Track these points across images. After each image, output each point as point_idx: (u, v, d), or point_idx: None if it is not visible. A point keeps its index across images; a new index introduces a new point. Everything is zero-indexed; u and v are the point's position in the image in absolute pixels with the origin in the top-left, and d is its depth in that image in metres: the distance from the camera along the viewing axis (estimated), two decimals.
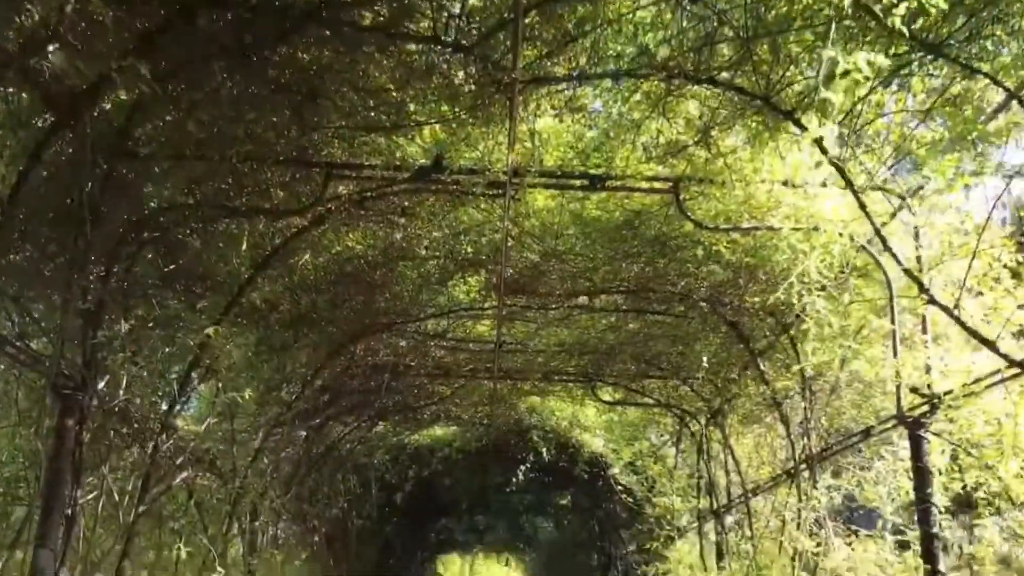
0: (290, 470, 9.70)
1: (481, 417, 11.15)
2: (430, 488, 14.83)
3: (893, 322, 4.82)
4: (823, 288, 5.17)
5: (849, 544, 5.51)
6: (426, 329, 7.68)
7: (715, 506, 8.38)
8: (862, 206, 4.04)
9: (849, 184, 4.02)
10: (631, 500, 10.28)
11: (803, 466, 6.54)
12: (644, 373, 8.72)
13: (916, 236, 4.64)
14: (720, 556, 8.09)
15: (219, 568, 5.55)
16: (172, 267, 5.18)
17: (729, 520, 8.44)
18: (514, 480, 11.69)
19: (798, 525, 6.25)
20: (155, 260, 5.18)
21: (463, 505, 17.40)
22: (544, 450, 10.87)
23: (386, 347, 8.05)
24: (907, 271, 4.13)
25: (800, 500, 6.38)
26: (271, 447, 7.97)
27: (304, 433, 8.62)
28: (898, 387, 4.84)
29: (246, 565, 7.11)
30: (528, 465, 11.19)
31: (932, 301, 3.97)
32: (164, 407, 5.38)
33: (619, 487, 10.32)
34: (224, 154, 4.82)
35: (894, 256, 4.17)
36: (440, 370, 8.83)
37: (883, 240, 4.14)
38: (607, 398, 9.48)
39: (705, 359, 6.69)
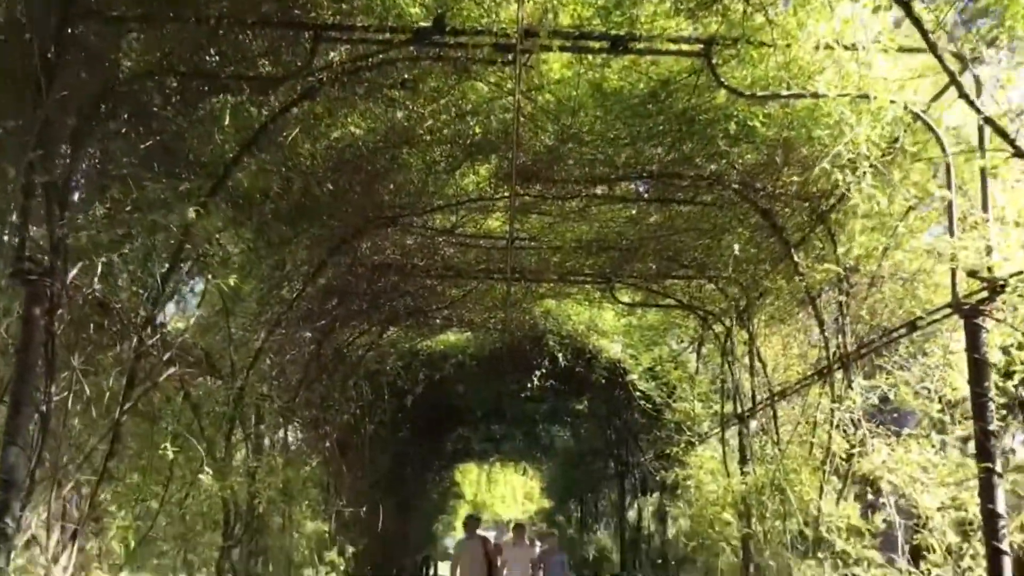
0: (298, 375, 9.40)
1: (495, 323, 10.77)
2: (444, 396, 14.62)
3: (950, 187, 4.28)
4: (870, 166, 4.64)
5: (888, 445, 5.10)
6: (434, 224, 7.20)
7: (739, 410, 8.00)
8: (933, 49, 3.46)
9: (918, 25, 3.43)
10: (650, 407, 9.92)
11: (837, 365, 6.11)
12: (666, 272, 8.25)
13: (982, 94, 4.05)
14: (744, 461, 7.76)
15: (207, 469, 5.23)
16: (149, 144, 4.69)
17: (753, 425, 8.08)
18: (529, 386, 11.35)
19: (832, 425, 5.85)
20: (130, 136, 4.70)
21: (478, 414, 17.25)
22: (560, 356, 10.51)
23: (392, 245, 7.61)
24: (989, 120, 3.58)
25: (833, 400, 5.97)
26: (274, 348, 7.62)
27: (309, 335, 8.25)
28: (954, 271, 4.34)
29: (246, 468, 6.80)
30: (544, 371, 10.82)
31: (1020, 153, 3.44)
32: (148, 300, 4.97)
33: (637, 393, 9.94)
34: (201, 15, 4.30)
35: (974, 107, 3.61)
36: (450, 271, 8.39)
37: (961, 90, 3.57)
38: (626, 300, 9.04)
39: (737, 247, 6.17)
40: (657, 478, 11.25)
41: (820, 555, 6.10)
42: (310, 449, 11.53)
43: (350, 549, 9.92)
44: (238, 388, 6.58)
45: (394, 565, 18.78)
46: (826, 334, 6.20)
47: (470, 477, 35.74)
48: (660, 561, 11.70)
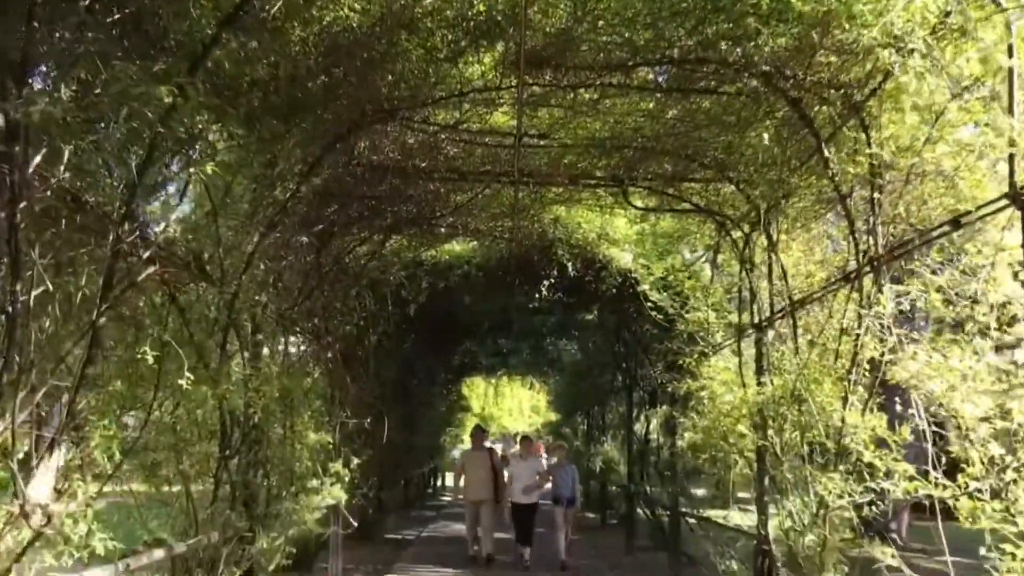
0: (297, 283, 9.07)
1: (502, 231, 10.37)
2: (450, 309, 14.34)
3: (1011, 55, 3.79)
4: (917, 46, 4.15)
5: (928, 351, 4.74)
6: (436, 119, 6.72)
7: (756, 320, 7.65)
8: None
9: None
10: (661, 317, 9.56)
11: (867, 268, 5.71)
12: (683, 175, 7.80)
13: None
14: (760, 372, 7.44)
15: (188, 375, 4.91)
16: (118, 18, 4.22)
17: (770, 335, 7.74)
18: (537, 298, 11.02)
19: (859, 332, 5.49)
20: (96, 9, 4.21)
21: (485, 327, 17.01)
22: (569, 266, 10.13)
23: (392, 143, 7.15)
24: None
25: (861, 306, 5.60)
26: (269, 254, 7.26)
27: (307, 240, 7.87)
28: (1011, 156, 3.89)
29: (243, 377, 6.50)
30: (552, 281, 10.46)
31: None
32: (125, 193, 4.56)
33: (648, 304, 9.58)
34: None
35: None
36: (455, 174, 7.93)
37: None
38: (640, 205, 8.60)
39: (766, 136, 5.69)
40: (667, 390, 11.00)
41: (842, 467, 5.84)
42: (312, 360, 11.31)
43: (355, 460, 9.73)
44: (231, 294, 6.25)
45: (401, 476, 18.87)
46: (856, 235, 5.78)
47: (477, 391, 36.03)
48: (668, 473, 11.57)
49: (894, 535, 13.59)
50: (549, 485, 12.83)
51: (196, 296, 6.12)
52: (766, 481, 7.26)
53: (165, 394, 5.29)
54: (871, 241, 5.68)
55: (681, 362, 9.22)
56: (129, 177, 4.56)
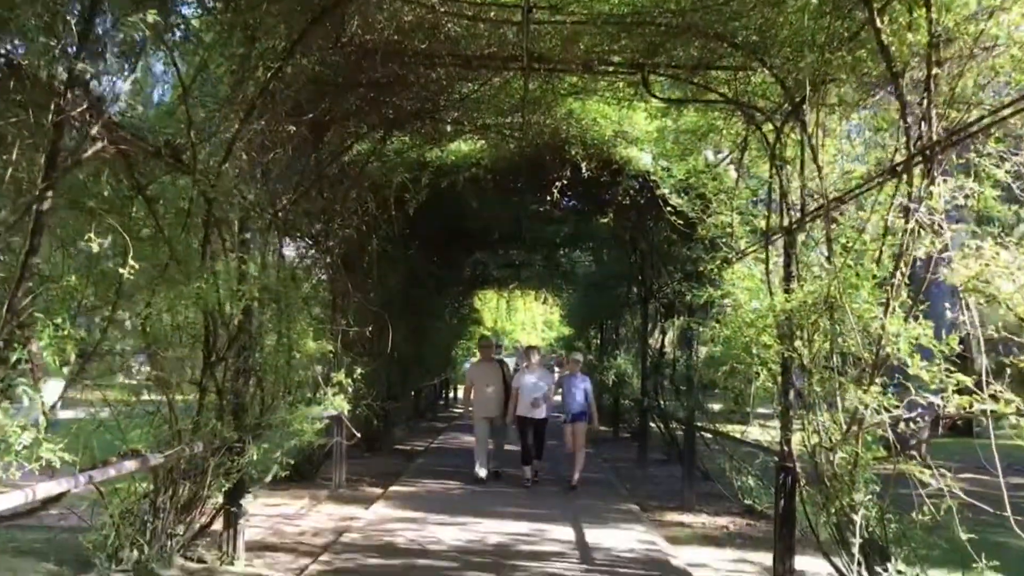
0: (292, 181, 8.48)
1: (512, 128, 9.66)
2: (458, 216, 13.73)
3: None
4: None
5: (994, 249, 4.13)
6: None
7: (787, 221, 7.00)
8: None
9: None
10: (681, 223, 8.92)
11: (918, 159, 5.05)
12: (710, 61, 7.05)
13: None
14: (789, 279, 6.84)
15: (133, 265, 4.36)
16: None
17: (801, 239, 7.11)
18: (549, 201, 10.37)
19: (908, 228, 4.87)
20: None
21: (496, 236, 16.40)
22: (584, 166, 9.44)
23: (386, 20, 6.42)
24: None
25: (911, 201, 4.95)
26: (256, 144, 6.64)
27: (297, 131, 7.22)
28: None
29: (229, 278, 5.98)
30: (565, 181, 9.78)
31: None
32: (65, 56, 3.93)
33: (668, 209, 8.93)
34: None
35: None
36: (458, 59, 7.21)
37: None
38: (662, 96, 7.86)
39: (807, 12, 4.95)
40: (685, 301, 10.44)
41: (879, 380, 5.30)
42: (311, 265, 10.80)
43: (358, 370, 9.29)
44: (210, 186, 5.66)
45: (410, 387, 18.60)
46: (908, 120, 5.09)
47: (490, 305, 35.70)
48: (684, 388, 11.11)
49: (913, 452, 13.19)
50: (559, 398, 12.22)
51: (171, 187, 5.54)
52: (791, 395, 6.73)
53: (131, 292, 4.77)
54: (924, 128, 5.00)
55: (702, 270, 8.63)
56: (70, 36, 3.93)
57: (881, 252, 5.54)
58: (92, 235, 3.83)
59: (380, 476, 11.89)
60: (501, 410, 11.82)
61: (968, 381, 4.10)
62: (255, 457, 6.59)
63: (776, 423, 7.71)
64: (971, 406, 4.00)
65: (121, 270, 4.39)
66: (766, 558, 7.77)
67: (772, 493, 8.82)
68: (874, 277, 5.41)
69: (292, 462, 7.45)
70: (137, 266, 4.48)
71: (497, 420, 11.90)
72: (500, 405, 11.84)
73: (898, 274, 5.13)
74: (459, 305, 25.63)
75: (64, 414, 5.87)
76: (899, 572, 5.22)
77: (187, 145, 5.34)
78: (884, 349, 5.18)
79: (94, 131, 3.97)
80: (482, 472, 11.65)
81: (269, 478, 7.81)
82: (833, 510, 5.67)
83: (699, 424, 10.49)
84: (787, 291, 6.58)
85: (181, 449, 5.56)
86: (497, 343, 19.61)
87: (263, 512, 8.89)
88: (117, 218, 4.68)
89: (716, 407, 11.56)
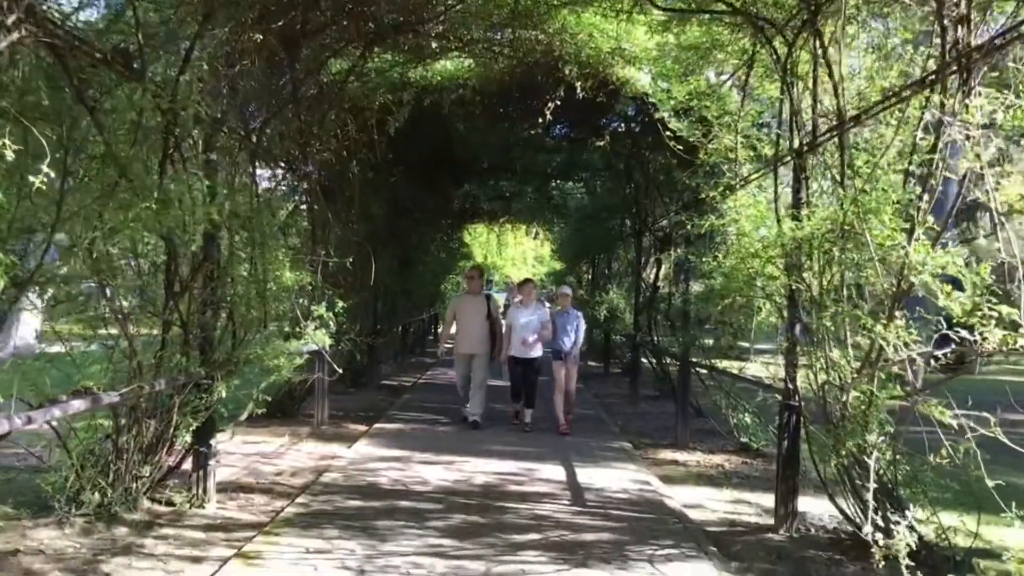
0: (264, 99, 7.89)
1: (501, 45, 9.03)
2: (446, 143, 13.11)
3: None
4: None
5: None
6: None
7: (797, 143, 6.48)
8: None
9: None
10: (680, 148, 8.38)
11: (952, 68, 4.53)
12: None
13: None
14: (798, 205, 6.35)
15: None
16: None
17: (812, 163, 6.60)
18: (540, 123, 9.79)
19: (940, 145, 4.38)
20: None
21: (485, 164, 15.79)
22: (578, 86, 8.85)
23: None
24: None
25: (943, 114, 4.45)
26: (219, 55, 6.04)
27: (266, 42, 6.61)
28: None
29: (193, 200, 5.42)
30: (559, 102, 9.19)
31: None
32: None
33: (667, 133, 8.36)
34: None
35: None
36: None
37: None
38: (664, 6, 7.23)
39: None
40: (683, 231, 9.97)
41: (899, 313, 4.87)
42: (290, 192, 10.26)
43: (340, 304, 8.82)
44: (167, 100, 5.08)
45: (398, 322, 18.20)
46: (943, 23, 4.55)
47: (480, 239, 35.14)
48: (680, 323, 10.70)
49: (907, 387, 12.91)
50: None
51: (123, 100, 4.96)
52: (797, 330, 6.31)
53: (71, 213, 4.25)
54: (961, 32, 4.47)
55: (703, 197, 8.15)
56: None
57: (907, 173, 5.05)
58: (6, 141, 3.28)
59: (365, 412, 11.54)
60: (486, 347, 10.89)
61: (1016, 313, 3.65)
62: (224, 394, 6.14)
63: (778, 360, 7.33)
64: (1015, 342, 3.57)
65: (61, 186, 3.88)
66: (764, 498, 7.47)
67: (770, 431, 8.52)
68: (896, 202, 4.94)
69: (269, 399, 7.02)
70: (79, 183, 3.96)
71: (480, 358, 10.88)
72: (485, 342, 10.90)
73: (925, 197, 4.66)
74: (448, 239, 25.09)
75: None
76: (918, 520, 4.85)
77: (137, 51, 4.76)
78: (907, 279, 4.74)
79: (11, 20, 3.39)
80: (465, 409, 10.98)
81: (244, 416, 7.41)
82: (844, 452, 5.29)
83: (695, 360, 10.12)
84: (796, 218, 6.10)
85: (139, 387, 5.10)
86: (488, 278, 19.05)
87: (240, 450, 8.52)
88: (56, 129, 4.14)
89: (709, 342, 11.19)
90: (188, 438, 6.06)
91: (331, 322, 8.65)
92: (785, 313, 6.43)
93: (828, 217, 5.46)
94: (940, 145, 4.44)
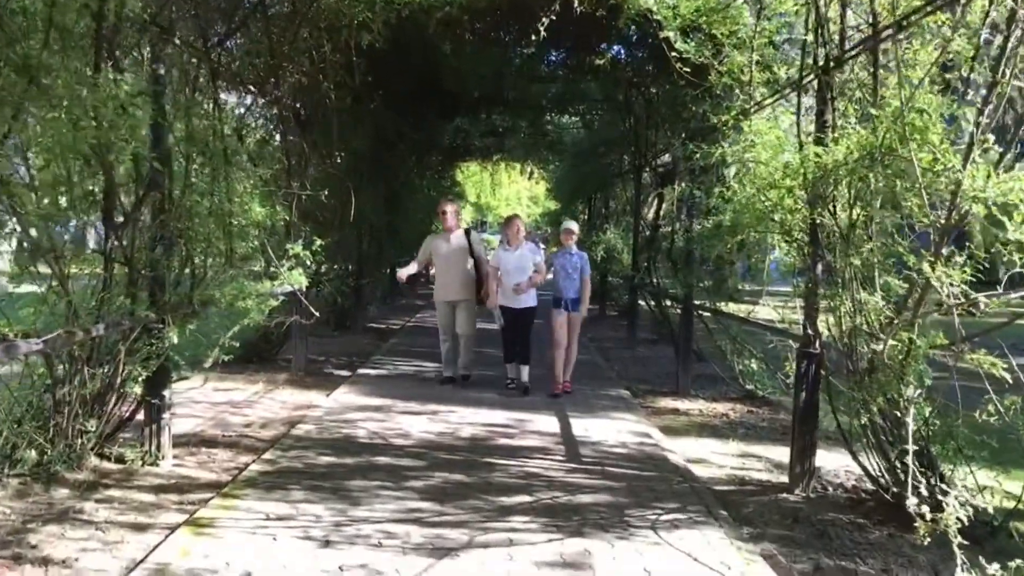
0: (228, 11, 7.08)
1: None
2: (434, 71, 12.22)
3: None
4: None
5: None
6: None
7: (823, 60, 5.71)
8: None
9: None
10: (687, 72, 7.57)
11: None
12: None
13: None
14: (822, 128, 5.61)
15: None
16: None
17: (839, 82, 5.84)
18: (535, 40, 8.89)
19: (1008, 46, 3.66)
20: None
21: (476, 96, 14.89)
22: (576, 1, 7.98)
23: None
24: None
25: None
26: None
27: None
28: None
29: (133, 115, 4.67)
30: (553, 18, 8.32)
31: None
32: None
33: (673, 55, 7.54)
34: None
35: None
36: None
37: None
38: None
39: None
40: (687, 164, 9.21)
41: (947, 251, 4.20)
42: (264, 119, 9.48)
43: (318, 241, 8.12)
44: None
45: (385, 263, 17.50)
46: None
47: (473, 179, 34.31)
48: (682, 264, 9.99)
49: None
50: (552, 276, 9.17)
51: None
52: (818, 270, 5.63)
53: None
54: None
55: (715, 123, 7.38)
56: None
57: (947, 87, 4.34)
58: None
59: (348, 357, 10.93)
60: (469, 293, 9.18)
61: None
62: (176, 340, 5.47)
63: (792, 304, 6.69)
64: None
65: None
66: (774, 452, 6.92)
67: (778, 379, 7.89)
68: (950, 117, 4.23)
69: (237, 345, 6.37)
70: None
71: (463, 306, 9.19)
72: (467, 286, 9.19)
73: (987, 110, 3.95)
74: (440, 176, 24.26)
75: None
76: (964, 487, 4.25)
77: None
78: (959, 210, 4.06)
79: None
80: (447, 372, 9.40)
81: (209, 363, 6.77)
82: (876, 408, 4.67)
83: (699, 303, 9.47)
84: (820, 143, 5.37)
85: (67, 333, 4.42)
86: (482, 219, 18.27)
87: (210, 399, 7.91)
88: None
89: (709, 284, 10.52)
90: (138, 390, 5.40)
91: (308, 261, 8.00)
92: (806, 251, 5.74)
93: (862, 140, 4.74)
94: (1011, 44, 3.70)
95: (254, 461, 5.86)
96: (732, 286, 9.34)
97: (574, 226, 9.25)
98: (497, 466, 5.93)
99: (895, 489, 5.09)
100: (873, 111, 5.02)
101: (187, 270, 6.11)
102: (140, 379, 5.39)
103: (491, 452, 6.33)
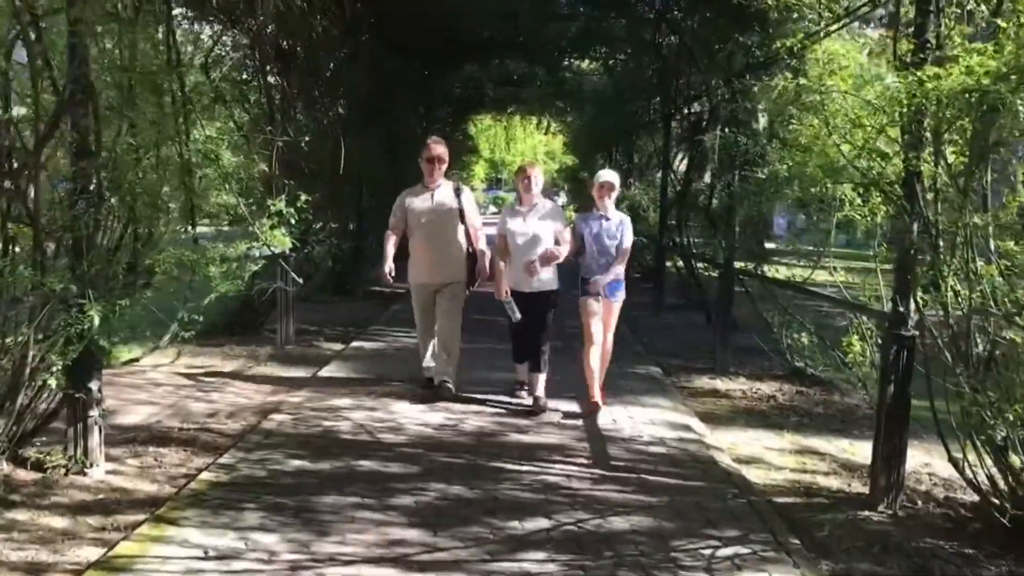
0: None
1: None
2: (437, 6, 10.90)
3: None
4: None
5: None
6: None
7: None
8: None
9: None
10: None
11: None
12: None
13: None
14: (923, 48, 4.33)
15: None
16: None
17: None
18: None
19: None
20: None
21: (487, 37, 13.53)
22: None
23: None
24: None
25: None
26: None
27: None
28: None
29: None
30: None
31: None
32: None
33: None
34: None
35: None
36: None
37: None
38: None
39: None
40: (730, 108, 7.94)
41: None
42: (241, 58, 8.27)
43: (304, 197, 6.98)
44: None
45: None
46: None
47: (487, 133, 32.99)
48: (722, 224, 8.71)
49: None
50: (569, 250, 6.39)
51: None
52: (915, 230, 4.40)
53: None
54: None
55: (767, 56, 6.11)
56: None
57: None
58: None
59: (344, 327, 9.79)
60: (459, 273, 6.51)
61: None
62: (102, 316, 4.31)
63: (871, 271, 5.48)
64: None
65: None
66: (836, 446, 5.82)
67: (834, 357, 6.68)
68: None
69: (199, 318, 5.25)
70: None
71: (448, 292, 6.51)
72: (457, 264, 6.51)
73: None
74: (451, 130, 22.94)
75: None
76: None
77: None
78: None
79: None
80: (428, 363, 6.82)
81: (166, 341, 5.69)
82: (1011, 416, 3.50)
83: (742, 266, 8.24)
84: (918, 67, 4.10)
85: None
86: (496, 176, 17.04)
87: (173, 381, 6.83)
88: None
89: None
90: (53, 382, 4.27)
91: (292, 219, 6.89)
92: (903, 207, 4.50)
93: (1009, 53, 3.48)
94: None
95: (208, 467, 4.75)
96: (788, 245, 8.06)
97: (614, 178, 6.48)
98: (507, 473, 4.80)
99: (1014, 511, 3.95)
100: (1001, 22, 3.78)
101: (129, 232, 4.95)
102: (57, 369, 4.26)
103: (500, 452, 5.20)
